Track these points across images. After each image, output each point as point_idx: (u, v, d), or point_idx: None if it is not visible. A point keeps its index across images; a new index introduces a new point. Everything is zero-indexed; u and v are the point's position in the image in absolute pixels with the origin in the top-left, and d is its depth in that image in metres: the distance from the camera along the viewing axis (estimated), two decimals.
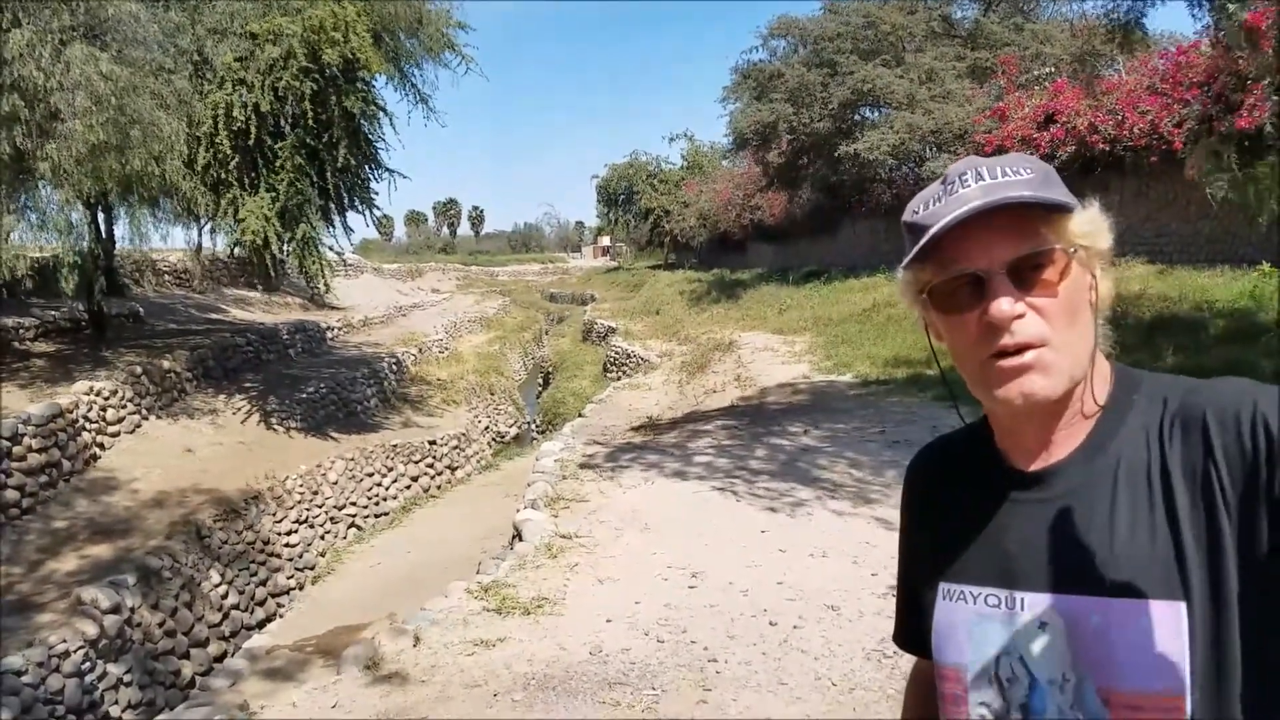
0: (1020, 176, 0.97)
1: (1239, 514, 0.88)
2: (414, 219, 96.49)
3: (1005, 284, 0.95)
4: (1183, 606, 0.89)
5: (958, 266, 0.97)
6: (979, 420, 1.13)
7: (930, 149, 19.99)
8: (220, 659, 8.81)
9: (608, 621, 4.96)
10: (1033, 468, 1.02)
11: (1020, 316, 0.94)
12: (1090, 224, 0.99)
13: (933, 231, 0.96)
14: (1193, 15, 8.99)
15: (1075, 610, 0.94)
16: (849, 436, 9.02)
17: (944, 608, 1.06)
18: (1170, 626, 0.89)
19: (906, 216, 1.02)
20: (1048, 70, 18.14)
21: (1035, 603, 0.97)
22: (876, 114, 22.26)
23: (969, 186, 0.97)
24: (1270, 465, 0.86)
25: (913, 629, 1.17)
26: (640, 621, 4.94)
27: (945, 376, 1.10)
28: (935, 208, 0.98)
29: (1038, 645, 0.96)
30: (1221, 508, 0.89)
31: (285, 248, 13.04)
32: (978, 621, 1.02)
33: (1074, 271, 0.97)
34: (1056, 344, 0.95)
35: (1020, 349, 0.94)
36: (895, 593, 1.28)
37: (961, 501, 1.09)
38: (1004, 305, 0.94)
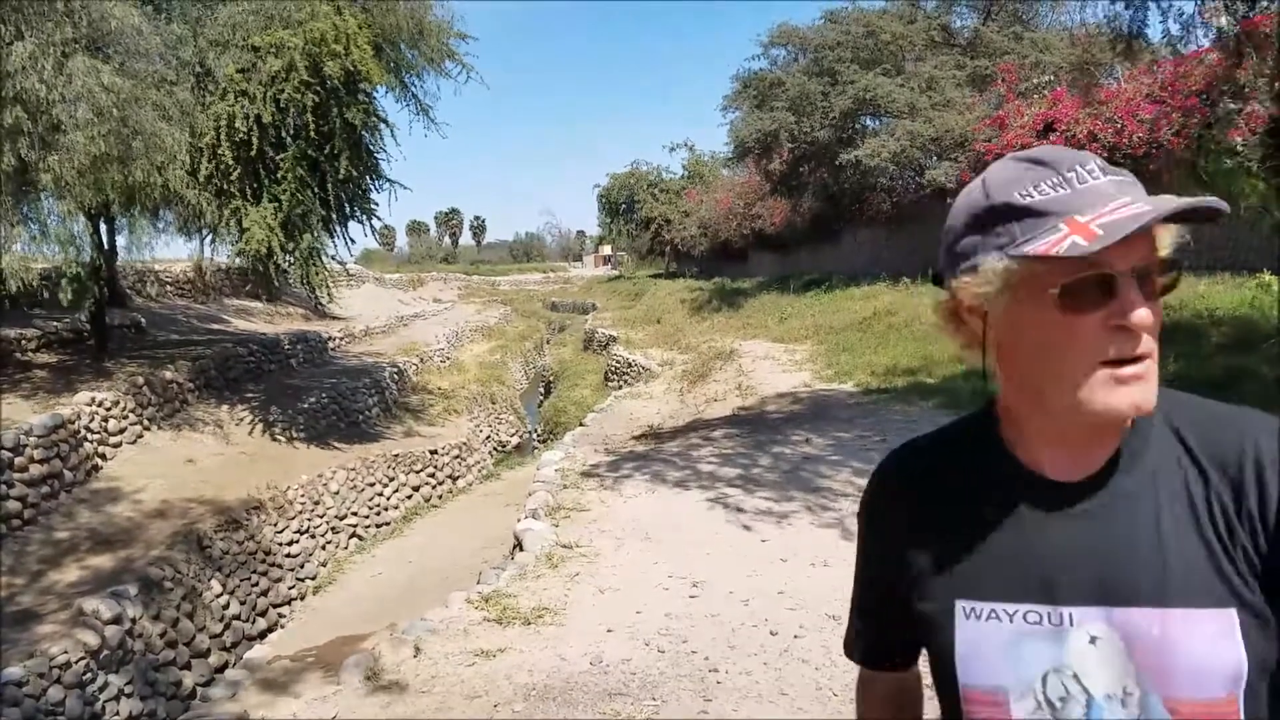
0: (1129, 177, 0.94)
1: (1255, 535, 0.93)
2: (416, 229, 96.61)
3: (1136, 289, 0.91)
4: (1234, 613, 0.91)
5: (1098, 265, 0.90)
6: (956, 426, 1.11)
7: (931, 157, 20.02)
8: (221, 669, 8.79)
9: (608, 631, 4.95)
10: (1069, 479, 0.99)
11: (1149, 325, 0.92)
12: (1180, 233, 0.96)
13: (1138, 222, 0.86)
14: (1183, 27, 9.01)
15: (1133, 623, 0.93)
16: (850, 445, 9.02)
17: (969, 627, 1.00)
18: (1227, 633, 0.91)
19: (1005, 197, 0.94)
20: (1047, 79, 18.17)
21: (1085, 617, 0.95)
22: (877, 122, 22.30)
23: (1099, 178, 0.92)
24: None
25: (885, 643, 1.19)
26: (641, 631, 4.93)
27: (986, 375, 1.01)
28: (1061, 194, 0.92)
29: (1092, 661, 0.94)
30: (1242, 531, 0.93)
31: (289, 258, 13.08)
32: (1016, 640, 0.97)
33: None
34: (1156, 357, 0.94)
35: (1138, 358, 0.92)
36: (852, 600, 1.23)
37: (976, 514, 1.03)
38: (1145, 313, 0.90)
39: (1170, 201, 0.88)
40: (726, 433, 10.37)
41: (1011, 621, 0.97)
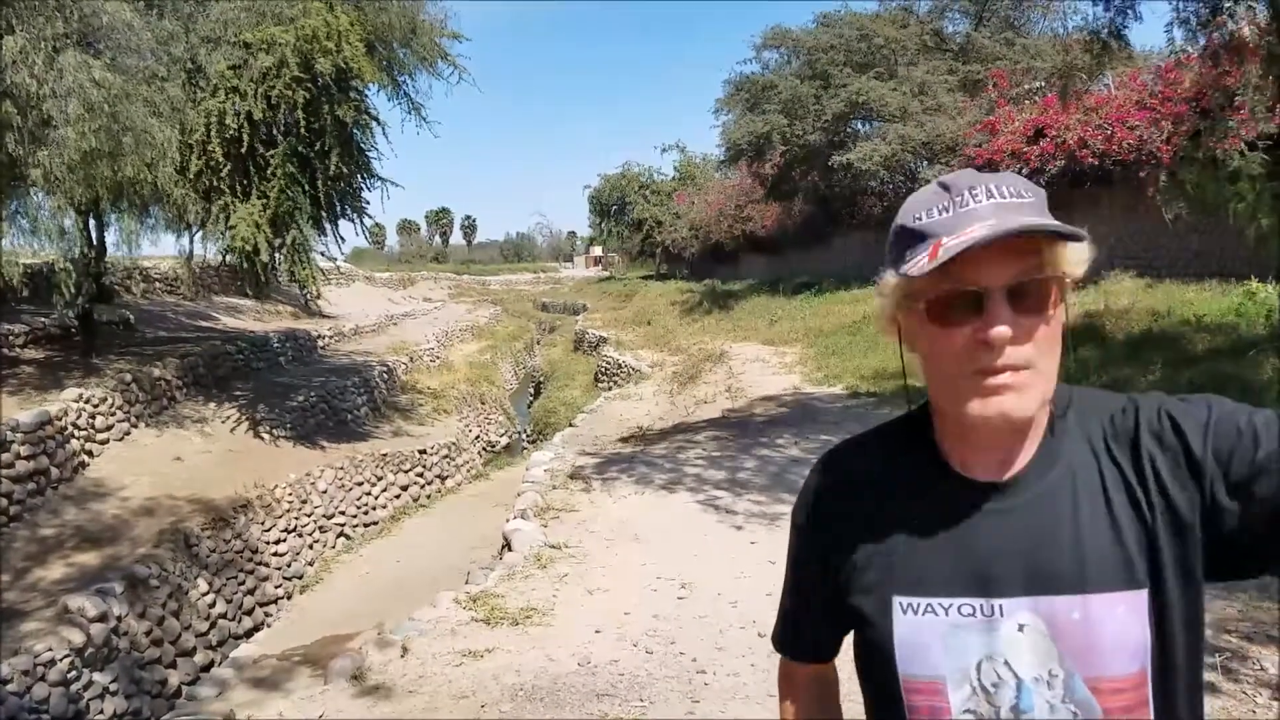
0: (1025, 199, 0.98)
1: (1170, 510, 0.99)
2: (406, 228, 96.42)
3: (1004, 305, 0.96)
4: (1144, 593, 0.99)
5: (962, 282, 0.97)
6: (894, 425, 1.17)
7: (922, 161, 20.10)
8: (207, 668, 8.76)
9: (596, 632, 4.96)
10: (994, 479, 1.05)
11: (1013, 340, 0.96)
12: (1084, 252, 1.01)
13: (964, 244, 0.93)
14: (1166, 34, 8.96)
15: (1054, 609, 1.00)
16: None
17: (907, 622, 1.05)
18: (1136, 612, 0.99)
19: (905, 220, 1.02)
20: (1038, 85, 18.24)
21: (1013, 608, 1.01)
22: (869, 126, 22.37)
23: (980, 202, 0.97)
24: (1188, 454, 0.99)
25: (812, 637, 1.26)
26: (629, 632, 4.94)
27: (908, 391, 1.13)
28: (942, 217, 0.98)
29: (1020, 647, 1.00)
30: (1161, 510, 0.99)
31: (276, 255, 13.02)
32: (953, 632, 1.03)
33: (1062, 299, 1.01)
34: (1039, 368, 0.98)
35: (1003, 370, 0.97)
36: (784, 599, 1.28)
37: (910, 512, 1.08)
38: (1002, 329, 0.95)
39: (1010, 223, 0.94)
40: (715, 435, 10.39)
41: (947, 615, 1.04)
